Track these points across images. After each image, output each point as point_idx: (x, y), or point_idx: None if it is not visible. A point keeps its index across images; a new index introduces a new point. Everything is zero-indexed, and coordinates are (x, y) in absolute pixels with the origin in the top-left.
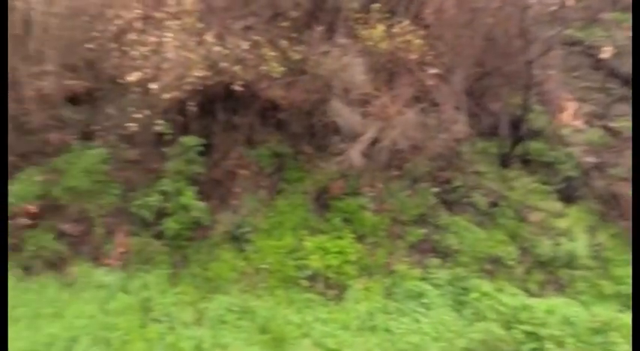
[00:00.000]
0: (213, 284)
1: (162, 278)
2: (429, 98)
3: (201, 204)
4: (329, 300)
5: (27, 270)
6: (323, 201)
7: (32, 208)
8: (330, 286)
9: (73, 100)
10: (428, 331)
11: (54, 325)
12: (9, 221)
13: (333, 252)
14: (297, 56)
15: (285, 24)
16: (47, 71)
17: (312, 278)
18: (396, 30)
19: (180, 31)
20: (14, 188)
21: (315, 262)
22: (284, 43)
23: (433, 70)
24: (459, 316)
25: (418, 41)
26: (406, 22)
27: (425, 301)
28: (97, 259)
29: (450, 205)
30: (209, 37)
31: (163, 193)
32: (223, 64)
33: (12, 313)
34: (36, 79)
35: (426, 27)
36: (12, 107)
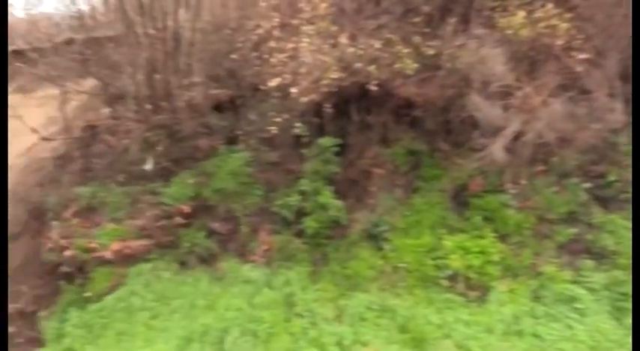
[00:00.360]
0: (352, 282)
1: (304, 275)
2: (578, 86)
3: (339, 203)
4: (470, 301)
5: (182, 265)
6: (461, 199)
7: (186, 208)
8: (472, 287)
9: (218, 107)
10: (583, 338)
11: (207, 316)
12: (166, 221)
13: (474, 252)
14: (430, 51)
15: (417, 19)
16: (195, 83)
17: (453, 278)
18: (538, 15)
19: (315, 35)
20: (170, 191)
21: (455, 262)
22: (417, 39)
23: (582, 55)
24: (618, 325)
25: (564, 25)
26: (550, 6)
27: (578, 306)
28: (243, 255)
29: (604, 201)
30: (343, 39)
31: (302, 193)
32: (357, 65)
33: (170, 304)
34: (186, 91)
35: (573, 9)
36: (166, 117)
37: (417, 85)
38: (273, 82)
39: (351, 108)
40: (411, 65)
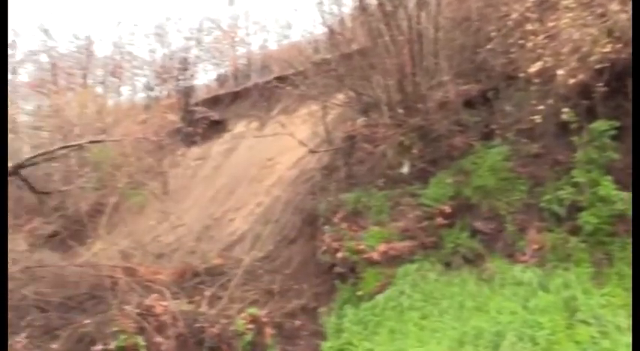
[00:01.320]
0: None
1: (585, 277)
2: None
3: (623, 194)
4: None
5: (447, 265)
6: None
7: (447, 208)
8: None
9: (469, 103)
10: None
11: (478, 319)
12: (428, 222)
13: None
14: None
15: None
16: (444, 81)
17: None
18: None
19: (577, 7)
20: (429, 192)
21: None
22: None
23: None
24: None
25: None
26: None
27: None
28: (510, 255)
29: None
30: (613, 6)
31: (575, 185)
32: None
33: (439, 304)
34: (435, 90)
35: None
36: (418, 119)
37: None
38: (533, 68)
39: (628, 84)
40: None
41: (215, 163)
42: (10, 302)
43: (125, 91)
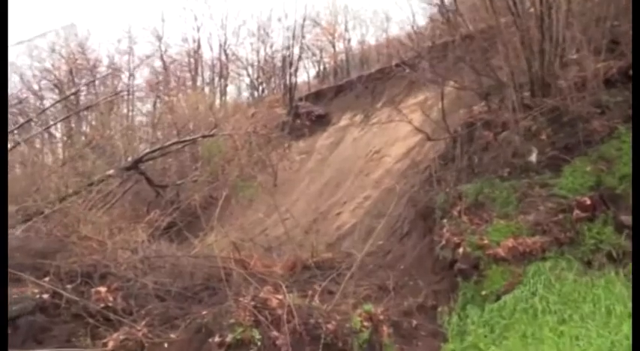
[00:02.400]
0: None
1: None
2: None
3: None
4: None
5: (588, 264)
6: None
7: (585, 200)
8: None
9: (609, 82)
10: None
11: (631, 326)
12: (563, 215)
13: None
14: None
15: None
16: (578, 58)
17: None
18: None
19: None
20: (563, 181)
21: None
22: None
23: None
24: None
25: None
26: None
27: None
28: None
29: None
30: None
31: None
32: None
33: (580, 308)
34: (569, 68)
35: None
36: (548, 102)
37: None
38: None
39: None
40: None
41: (320, 156)
42: (129, 291)
43: (231, 90)
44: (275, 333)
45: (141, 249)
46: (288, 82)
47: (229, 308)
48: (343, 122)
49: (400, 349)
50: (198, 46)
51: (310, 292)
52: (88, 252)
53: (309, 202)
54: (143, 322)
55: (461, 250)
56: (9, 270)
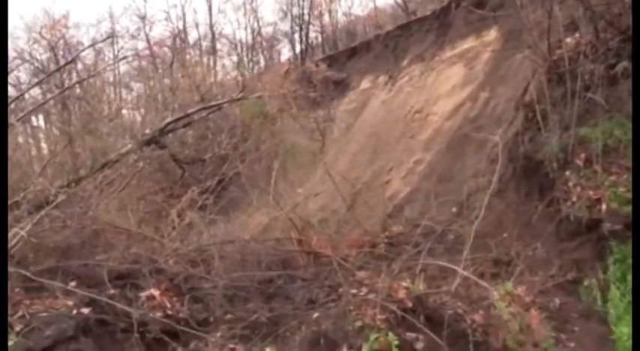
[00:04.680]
0: None
1: None
2: None
3: None
4: None
5: None
6: None
7: None
8: None
9: None
10: None
11: None
12: None
13: None
14: None
15: None
16: None
17: None
18: None
19: None
20: None
21: None
22: None
23: None
24: None
25: None
26: None
27: None
28: None
29: None
30: None
31: None
32: None
33: None
34: None
35: None
36: None
37: None
38: None
39: None
40: None
41: (344, 124)
42: (195, 293)
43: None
44: (411, 334)
45: (193, 236)
46: (299, 46)
47: (347, 306)
48: (364, 85)
49: (557, 340)
50: (184, 26)
51: (410, 275)
52: (122, 245)
53: (344, 173)
54: (219, 333)
55: (604, 206)
56: (26, 276)
